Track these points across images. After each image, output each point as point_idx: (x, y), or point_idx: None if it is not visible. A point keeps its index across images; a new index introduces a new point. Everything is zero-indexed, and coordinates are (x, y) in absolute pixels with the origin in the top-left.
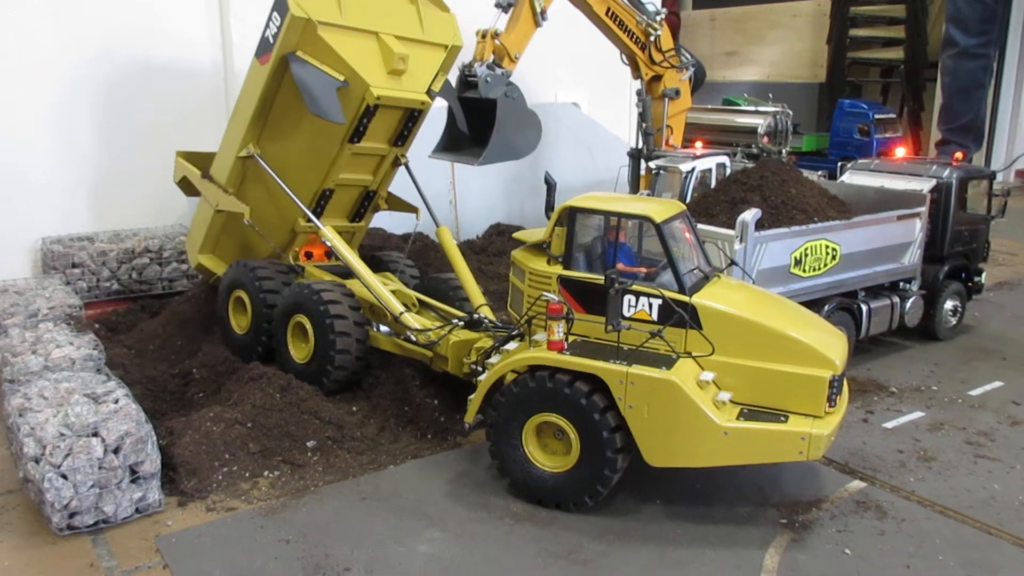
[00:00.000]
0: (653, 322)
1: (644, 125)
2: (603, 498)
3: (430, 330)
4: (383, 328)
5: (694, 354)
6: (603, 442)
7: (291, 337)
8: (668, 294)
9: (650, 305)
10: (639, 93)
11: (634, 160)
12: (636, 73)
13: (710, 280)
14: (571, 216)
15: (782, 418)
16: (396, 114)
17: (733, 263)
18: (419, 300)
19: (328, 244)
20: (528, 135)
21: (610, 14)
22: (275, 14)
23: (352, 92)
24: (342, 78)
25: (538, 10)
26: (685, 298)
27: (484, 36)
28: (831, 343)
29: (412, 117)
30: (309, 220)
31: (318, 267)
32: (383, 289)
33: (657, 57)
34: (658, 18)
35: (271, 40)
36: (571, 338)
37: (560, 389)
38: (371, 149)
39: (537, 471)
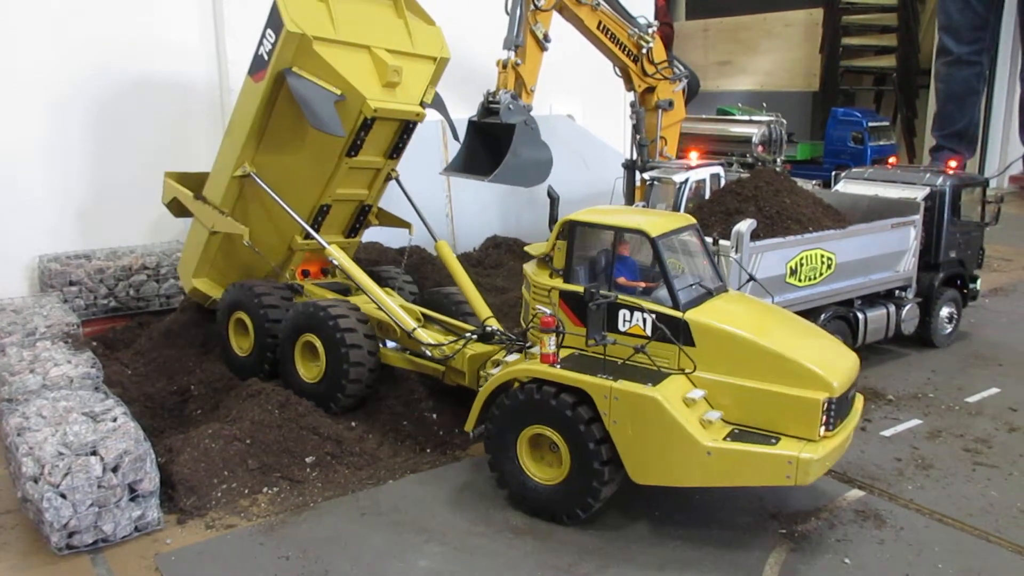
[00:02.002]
0: (647, 337)
1: (638, 137)
2: (596, 512)
3: (444, 345)
4: (390, 344)
5: (687, 371)
6: (590, 455)
7: (299, 357)
8: (661, 309)
9: (644, 320)
10: (633, 105)
11: (629, 171)
12: (629, 85)
13: (715, 296)
14: (571, 230)
15: (772, 440)
16: (392, 126)
17: (752, 279)
18: (423, 315)
19: (335, 262)
20: (540, 166)
21: (602, 28)
22: (269, 31)
23: (349, 106)
24: (339, 92)
25: (540, 36)
26: (678, 313)
27: (505, 67)
28: (833, 364)
29: (407, 129)
30: (307, 237)
31: (317, 285)
32: (395, 306)
33: (649, 69)
34: (650, 30)
35: (265, 57)
36: (568, 351)
37: (547, 401)
38: (367, 163)
39: (532, 483)
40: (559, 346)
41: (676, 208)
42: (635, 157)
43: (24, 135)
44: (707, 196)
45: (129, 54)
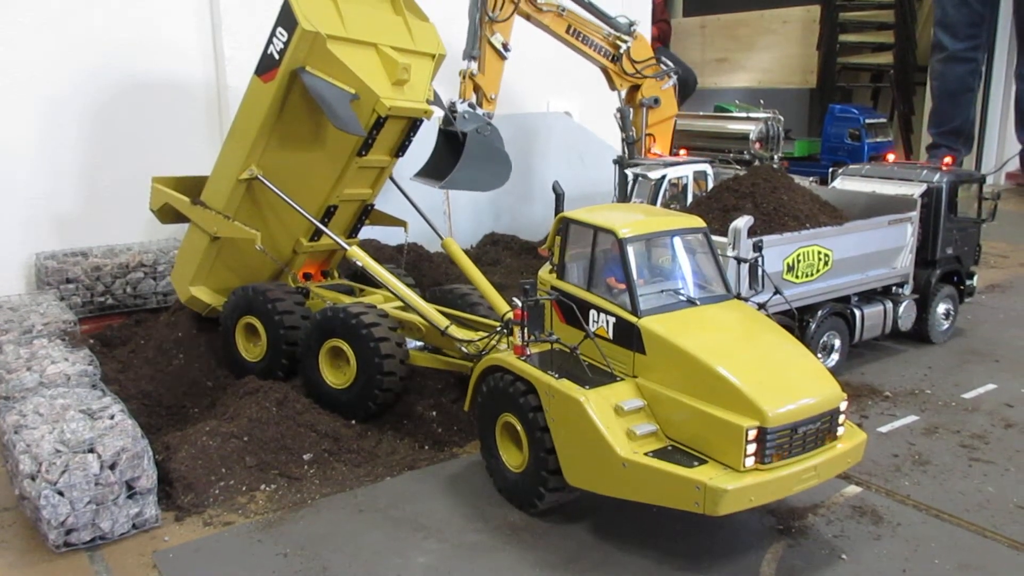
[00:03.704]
0: (609, 339)
1: (624, 135)
2: (548, 506)
3: (477, 340)
4: (411, 343)
5: (639, 378)
6: (536, 442)
7: (325, 363)
8: (621, 312)
9: (607, 322)
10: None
11: (620, 168)
12: (612, 85)
13: (705, 304)
14: (565, 227)
15: (695, 463)
16: (401, 124)
17: (778, 292)
18: (438, 311)
19: (358, 263)
20: (496, 172)
21: (571, 31)
22: (280, 30)
23: (362, 105)
24: (352, 91)
25: (498, 46)
26: (634, 319)
27: (464, 77)
28: (785, 394)
29: (414, 127)
30: (313, 239)
31: (323, 287)
32: (426, 305)
33: (629, 69)
34: (632, 29)
35: (276, 56)
36: (548, 346)
37: (507, 388)
38: (375, 161)
39: (505, 468)
40: (529, 339)
41: (652, 205)
42: (623, 154)
43: (20, 133)
44: (689, 194)
45: (126, 52)
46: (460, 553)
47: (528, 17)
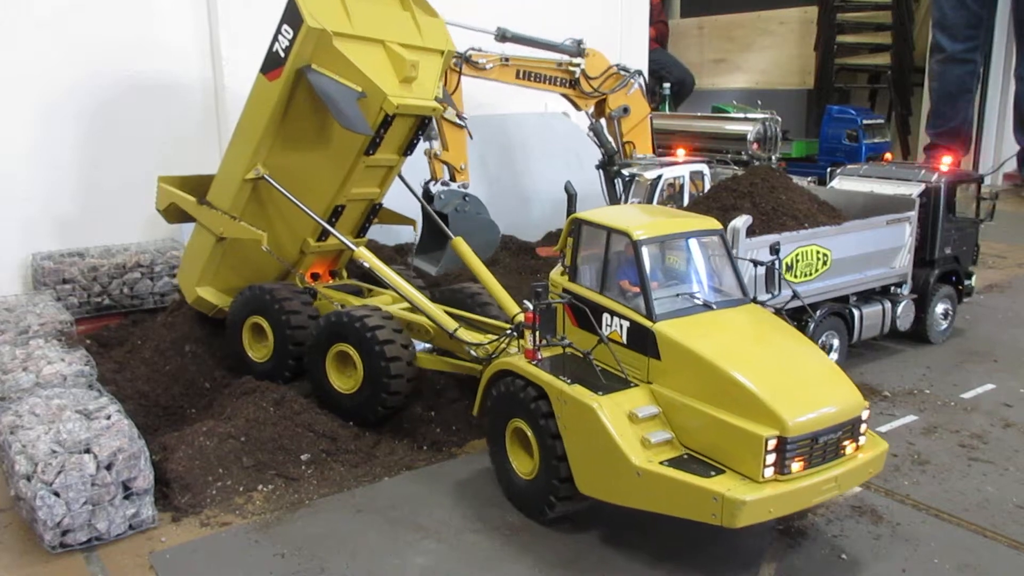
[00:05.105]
0: (623, 344)
1: (603, 149)
2: (559, 515)
3: (487, 343)
4: (419, 345)
5: (654, 385)
6: (548, 450)
7: (332, 367)
8: (635, 316)
9: (620, 326)
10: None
11: (604, 172)
12: (576, 107)
13: (721, 308)
14: (577, 228)
15: (712, 473)
16: (408, 122)
17: (795, 295)
18: (448, 313)
19: (364, 264)
20: (485, 239)
21: (521, 75)
22: (285, 27)
23: (369, 103)
24: (359, 89)
25: (453, 119)
26: (648, 323)
27: (430, 158)
28: (805, 402)
29: (422, 125)
30: (321, 239)
31: (330, 288)
32: (434, 307)
33: (587, 88)
34: (582, 48)
35: (282, 54)
36: (560, 350)
37: (517, 393)
38: (383, 160)
39: (514, 475)
40: (540, 343)
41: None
42: (604, 159)
43: (17, 133)
44: (686, 195)
45: (123, 52)
46: (458, 554)
47: (476, 76)
